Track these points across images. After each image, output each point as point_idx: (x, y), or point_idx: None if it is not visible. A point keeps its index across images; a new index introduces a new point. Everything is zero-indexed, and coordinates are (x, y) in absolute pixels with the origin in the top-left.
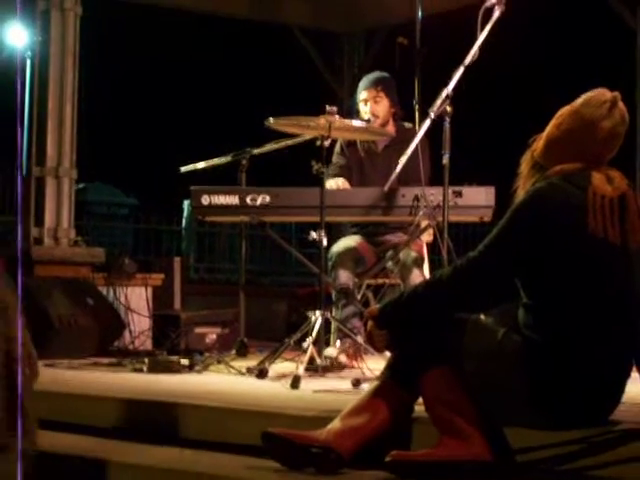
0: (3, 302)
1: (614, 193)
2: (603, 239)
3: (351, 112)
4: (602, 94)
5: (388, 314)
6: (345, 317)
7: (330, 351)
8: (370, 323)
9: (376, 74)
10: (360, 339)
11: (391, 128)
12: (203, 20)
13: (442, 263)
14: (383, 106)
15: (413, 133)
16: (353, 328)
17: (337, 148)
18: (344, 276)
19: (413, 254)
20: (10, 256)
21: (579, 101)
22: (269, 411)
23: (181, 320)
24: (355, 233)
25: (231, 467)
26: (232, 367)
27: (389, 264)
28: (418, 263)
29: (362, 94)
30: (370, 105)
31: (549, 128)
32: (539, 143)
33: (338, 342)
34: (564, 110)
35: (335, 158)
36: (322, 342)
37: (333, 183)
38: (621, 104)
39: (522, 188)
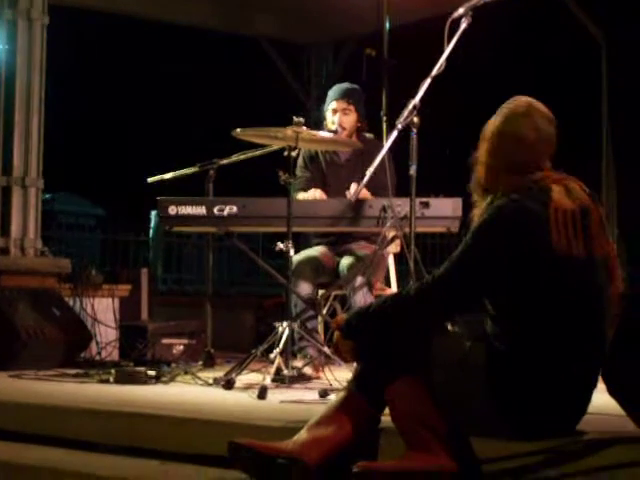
0: None
1: (574, 205)
2: (567, 252)
3: (319, 122)
4: (517, 106)
5: (355, 325)
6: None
7: (296, 363)
8: (337, 333)
9: (347, 85)
10: (326, 350)
11: (355, 140)
12: (171, 31)
13: (409, 273)
14: (351, 119)
15: (375, 144)
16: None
17: (300, 162)
18: (304, 286)
19: (360, 253)
20: None
21: (498, 120)
22: (236, 422)
23: (148, 331)
24: (318, 244)
25: (197, 478)
26: (199, 378)
27: (341, 267)
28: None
29: (332, 104)
30: (339, 116)
31: (484, 158)
32: (481, 172)
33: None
34: (488, 134)
35: (299, 172)
36: (289, 353)
37: (310, 194)
38: (538, 105)
39: (479, 216)
